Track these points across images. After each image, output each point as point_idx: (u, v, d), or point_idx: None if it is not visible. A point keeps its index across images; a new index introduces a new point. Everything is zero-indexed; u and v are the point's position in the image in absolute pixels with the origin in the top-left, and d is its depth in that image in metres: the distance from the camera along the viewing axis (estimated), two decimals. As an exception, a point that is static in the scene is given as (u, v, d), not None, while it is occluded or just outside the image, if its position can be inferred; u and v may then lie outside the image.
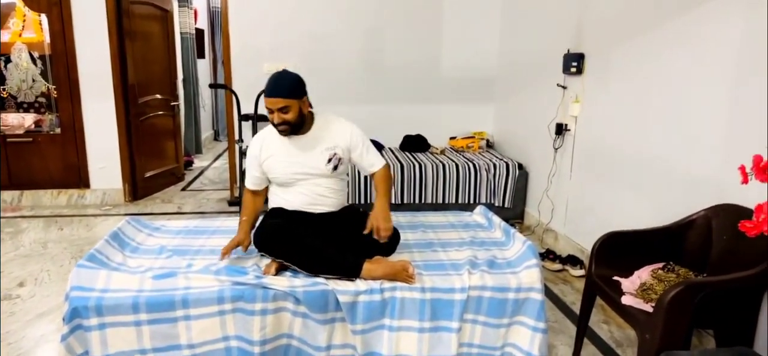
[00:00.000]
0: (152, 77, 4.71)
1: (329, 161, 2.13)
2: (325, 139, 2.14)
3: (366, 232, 2.04)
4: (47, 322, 2.42)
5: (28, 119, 4.25)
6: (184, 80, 6.32)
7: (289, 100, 2.00)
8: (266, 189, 2.26)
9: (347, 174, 2.33)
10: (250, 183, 2.22)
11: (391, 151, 4.42)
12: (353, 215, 2.24)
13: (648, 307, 1.80)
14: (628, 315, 1.84)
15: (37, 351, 2.21)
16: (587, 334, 2.30)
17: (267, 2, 4.37)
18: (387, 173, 2.25)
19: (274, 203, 2.21)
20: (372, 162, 2.24)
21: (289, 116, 2.01)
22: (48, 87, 4.22)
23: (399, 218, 2.62)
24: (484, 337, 2.01)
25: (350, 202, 2.36)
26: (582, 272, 3.07)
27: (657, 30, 2.56)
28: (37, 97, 4.26)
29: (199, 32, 7.13)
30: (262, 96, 2.11)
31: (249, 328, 1.82)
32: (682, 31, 2.39)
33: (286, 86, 2.01)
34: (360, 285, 1.90)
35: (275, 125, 2.05)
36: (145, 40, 4.55)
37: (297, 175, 2.12)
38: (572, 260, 3.16)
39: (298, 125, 2.06)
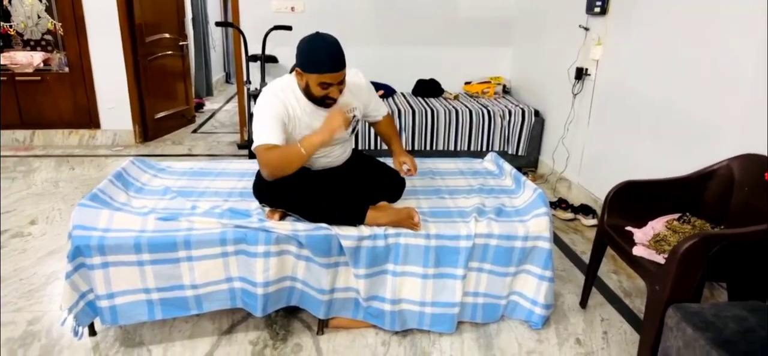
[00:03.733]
0: (160, 16, 4.59)
1: (349, 125, 1.97)
2: (345, 101, 1.95)
3: (403, 173, 2.11)
4: (57, 260, 2.46)
5: (37, 58, 4.20)
6: (193, 19, 6.19)
7: (345, 69, 1.80)
8: None
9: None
10: (278, 137, 1.75)
11: (403, 96, 4.30)
12: (358, 159, 2.18)
13: (660, 258, 1.74)
14: (639, 266, 1.79)
15: (47, 287, 2.25)
16: (596, 283, 2.27)
17: (275, -64, 4.17)
18: (391, 119, 2.24)
19: None
20: (379, 108, 2.17)
21: (344, 86, 1.84)
22: (54, 24, 4.15)
23: (407, 164, 2.57)
24: (489, 285, 1.99)
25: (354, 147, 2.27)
26: (594, 222, 3.01)
27: (689, -35, 2.37)
28: (43, 34, 4.19)
29: (209, -31, 6.91)
30: (310, 67, 1.75)
31: (252, 270, 1.81)
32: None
33: (343, 54, 1.77)
34: (364, 230, 1.87)
35: (326, 100, 1.81)
36: (151, -23, 4.41)
37: None
38: (584, 210, 3.09)
39: None
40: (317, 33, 1.78)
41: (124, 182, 2.17)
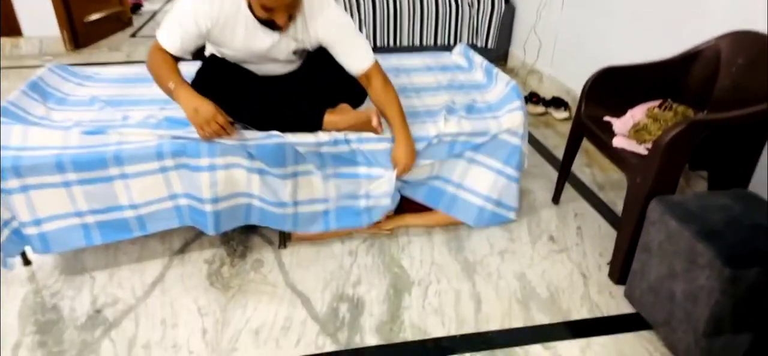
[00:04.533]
0: None
1: (295, 52, 1.69)
2: (298, 29, 1.62)
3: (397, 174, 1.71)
4: (-20, 185, 2.18)
5: (-68, -47, 3.59)
6: None
7: None
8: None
9: None
10: (173, 46, 1.56)
11: (363, -14, 3.92)
12: (314, 56, 1.90)
13: (641, 149, 1.63)
14: (618, 158, 1.68)
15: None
16: (568, 178, 2.18)
17: None
18: (386, 83, 1.70)
19: (210, 51, 1.78)
20: (356, 62, 1.69)
21: (294, 10, 1.52)
22: None
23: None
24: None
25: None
26: (566, 115, 2.89)
27: None
28: (-66, -77, 3.55)
29: None
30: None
31: (197, 185, 1.61)
32: None
33: None
34: (322, 136, 1.67)
35: (273, 23, 1.51)
36: None
37: (254, 57, 1.68)
38: (556, 103, 2.96)
39: None
40: None
41: (42, 92, 1.88)
